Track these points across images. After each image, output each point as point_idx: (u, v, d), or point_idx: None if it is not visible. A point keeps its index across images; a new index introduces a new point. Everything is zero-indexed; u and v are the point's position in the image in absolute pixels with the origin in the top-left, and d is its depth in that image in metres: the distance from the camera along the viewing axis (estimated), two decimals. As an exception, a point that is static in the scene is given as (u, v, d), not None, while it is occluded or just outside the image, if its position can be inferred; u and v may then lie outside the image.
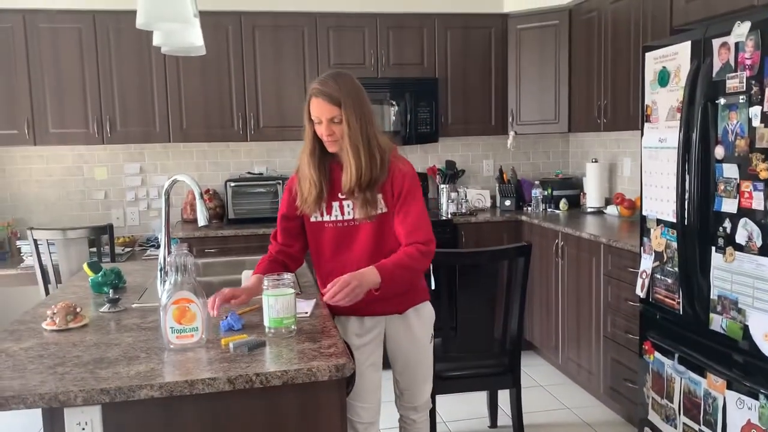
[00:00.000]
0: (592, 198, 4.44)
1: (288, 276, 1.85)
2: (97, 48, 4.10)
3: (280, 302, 1.78)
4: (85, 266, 2.53)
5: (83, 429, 1.48)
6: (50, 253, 3.65)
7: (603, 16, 3.92)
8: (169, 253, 2.54)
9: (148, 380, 1.50)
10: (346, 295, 1.88)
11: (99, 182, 4.52)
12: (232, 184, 4.28)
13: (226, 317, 1.90)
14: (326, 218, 2.16)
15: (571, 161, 5.16)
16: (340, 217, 2.15)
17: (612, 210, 4.22)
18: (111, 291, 2.27)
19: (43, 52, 4.05)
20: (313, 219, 2.17)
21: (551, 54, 4.46)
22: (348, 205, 2.13)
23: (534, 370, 4.16)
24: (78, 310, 2.01)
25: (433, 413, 2.89)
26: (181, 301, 1.69)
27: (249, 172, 4.59)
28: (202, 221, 2.45)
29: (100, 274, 2.43)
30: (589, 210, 4.43)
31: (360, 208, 2.10)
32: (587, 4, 4.12)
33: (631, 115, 3.68)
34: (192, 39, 2.16)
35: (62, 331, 1.92)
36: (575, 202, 4.66)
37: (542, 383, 3.97)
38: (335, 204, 2.14)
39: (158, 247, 4.36)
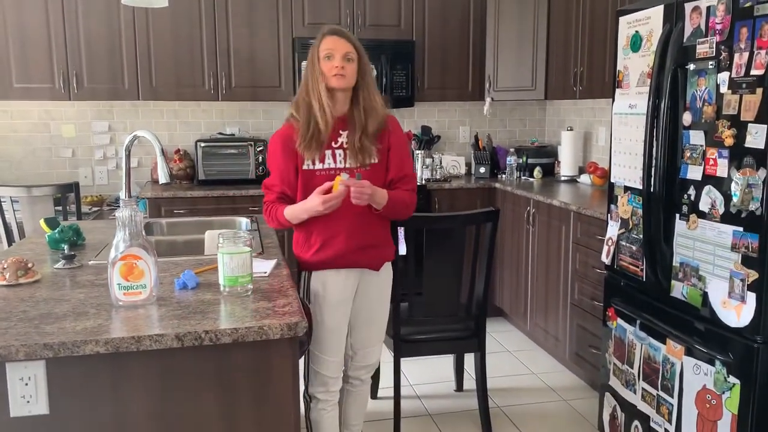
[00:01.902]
0: (566, 166, 4.43)
1: (244, 234, 1.81)
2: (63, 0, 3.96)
3: (235, 260, 1.75)
4: (41, 222, 2.48)
5: (26, 384, 1.45)
6: (14, 210, 3.57)
7: (582, -19, 3.86)
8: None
9: (94, 336, 1.46)
10: (362, 194, 2.06)
11: (66, 140, 4.41)
12: (203, 144, 4.20)
13: (181, 275, 1.86)
14: (318, 166, 2.19)
15: (547, 129, 5.13)
16: (332, 165, 2.19)
17: (585, 179, 4.22)
18: (67, 247, 2.22)
19: (5, 1, 3.90)
20: (305, 167, 2.19)
21: (530, 19, 4.39)
22: (340, 154, 2.18)
23: (503, 336, 4.19)
24: (30, 265, 1.96)
25: (398, 376, 2.91)
26: (128, 257, 1.65)
27: (220, 133, 4.51)
28: (162, 179, 2.40)
29: (57, 231, 2.37)
30: (562, 178, 4.42)
31: (355, 156, 2.17)
32: (567, -31, 4.05)
33: (606, 83, 3.64)
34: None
35: (12, 287, 1.87)
36: (550, 171, 4.65)
37: (510, 349, 4.00)
38: (328, 152, 2.18)
39: (127, 207, 4.28)
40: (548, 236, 3.71)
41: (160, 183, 2.43)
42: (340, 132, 2.19)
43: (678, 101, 2.25)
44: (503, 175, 4.63)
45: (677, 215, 2.26)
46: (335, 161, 2.18)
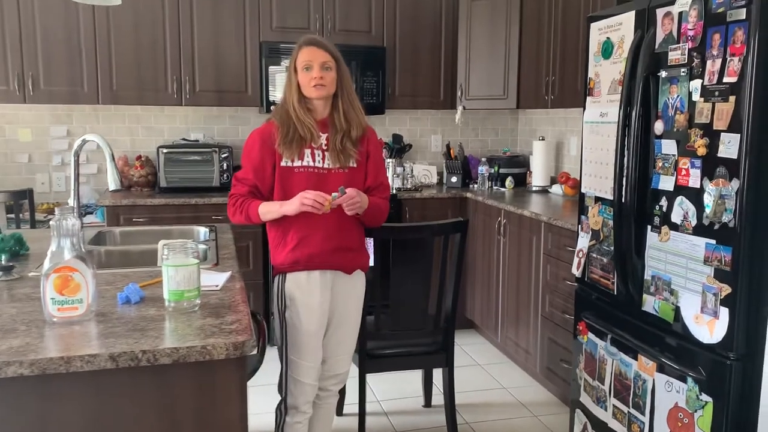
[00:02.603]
0: (538, 176, 4.38)
1: (193, 245, 1.69)
2: (18, -2, 3.80)
3: (181, 273, 1.63)
4: (-19, 231, 2.32)
5: (-59, 410, 1.31)
6: (-38, 217, 3.40)
7: (554, -11, 3.82)
8: (80, 219, 2.36)
9: (19, 356, 1.33)
10: (354, 203, 2.13)
11: (23, 144, 4.23)
12: (165, 150, 4.06)
13: (124, 289, 1.73)
14: (297, 164, 2.18)
15: (519, 139, 5.08)
16: (311, 163, 2.18)
17: (557, 189, 4.16)
18: (5, 258, 2.07)
19: (-43, 0, 3.74)
20: (283, 164, 2.18)
21: (502, 27, 4.34)
22: (319, 154, 2.19)
23: (473, 349, 4.10)
24: (-39, 277, 1.81)
25: (363, 391, 2.80)
26: (63, 270, 1.52)
27: (184, 139, 4.37)
28: (112, 185, 2.29)
29: (-4, 240, 2.21)
30: (534, 189, 4.36)
31: (335, 157, 2.19)
32: (539, -23, 4.01)
33: (578, 92, 3.59)
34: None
35: (-62, 301, 1.72)
36: (522, 181, 4.59)
37: (480, 362, 3.91)
38: (307, 151, 2.19)
39: (85, 215, 4.12)
40: (519, 247, 3.64)
41: (110, 190, 2.32)
42: (321, 134, 2.21)
43: (650, 109, 2.19)
44: (475, 185, 4.56)
45: (649, 227, 2.19)
46: (314, 160, 2.19)
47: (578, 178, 3.97)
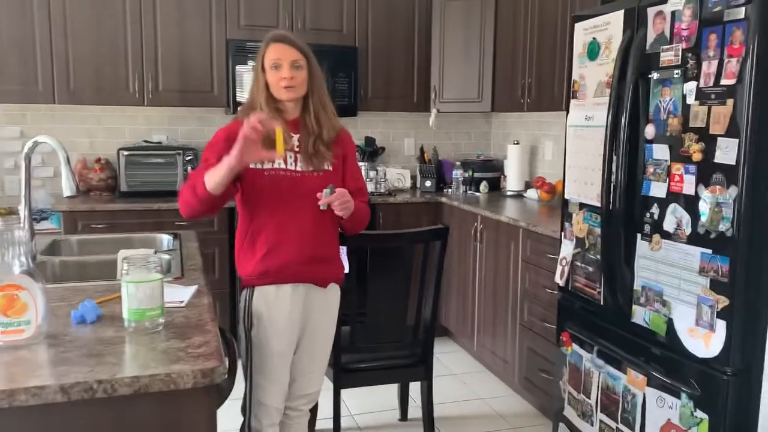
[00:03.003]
0: (512, 181, 4.29)
1: (155, 258, 1.54)
2: (-34, -10, 3.57)
3: (142, 290, 1.47)
4: None
5: None
6: None
7: (531, -11, 3.74)
8: (31, 227, 2.18)
9: (-46, 389, 1.16)
10: (346, 202, 1.97)
11: (-29, 146, 3.98)
12: (126, 152, 3.86)
13: (79, 306, 1.57)
14: (267, 166, 2.00)
15: (492, 143, 5.00)
16: (282, 166, 2.00)
17: (532, 194, 4.09)
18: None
19: None
20: (252, 165, 1.98)
21: (476, 29, 4.25)
22: (290, 156, 2.03)
23: (448, 358, 3.99)
24: None
25: (338, 407, 2.66)
26: (7, 288, 1.35)
27: (146, 141, 4.17)
28: (67, 191, 2.10)
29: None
30: (509, 193, 4.28)
31: (308, 160, 2.04)
32: (515, -23, 3.92)
33: (555, 96, 3.52)
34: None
35: None
36: (496, 185, 4.50)
37: (456, 371, 3.81)
38: None
39: (39, 220, 3.89)
40: (496, 253, 3.54)
41: (65, 196, 2.12)
42: (292, 135, 2.03)
43: (638, 112, 2.10)
44: (449, 190, 4.46)
45: (639, 235, 2.10)
46: (285, 162, 2.02)
47: (553, 183, 3.94)
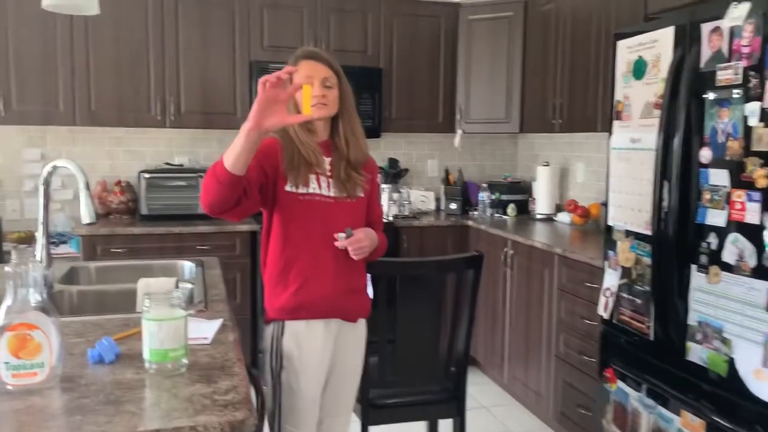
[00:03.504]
0: (541, 204, 4.15)
1: (178, 292, 1.42)
2: (-11, 12, 3.53)
3: (164, 329, 1.35)
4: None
5: None
6: None
7: (561, 8, 3.63)
8: (48, 255, 2.08)
9: (-43, 444, 1.05)
10: (362, 248, 1.88)
11: (-9, 168, 3.93)
12: (147, 175, 3.78)
13: (96, 345, 1.45)
14: (302, 190, 1.87)
15: (519, 164, 4.87)
16: (317, 191, 1.91)
17: (563, 217, 3.94)
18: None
19: None
20: (287, 188, 1.86)
21: (504, 48, 4.14)
22: (324, 180, 1.92)
23: (477, 389, 3.83)
24: None
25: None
26: (19, 327, 1.24)
27: (168, 163, 4.09)
28: (86, 218, 2.00)
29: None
30: (538, 216, 4.14)
31: (340, 186, 1.93)
32: (545, -5, 3.82)
33: (588, 117, 3.39)
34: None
35: None
36: (524, 208, 4.36)
37: (486, 404, 3.64)
38: (312, 176, 1.91)
39: (59, 244, 3.82)
40: (528, 281, 3.39)
41: (83, 223, 2.02)
42: (325, 157, 1.94)
43: (691, 135, 1.96)
44: (475, 212, 4.33)
45: (693, 266, 1.96)
46: (320, 186, 1.91)
47: (586, 207, 3.79)
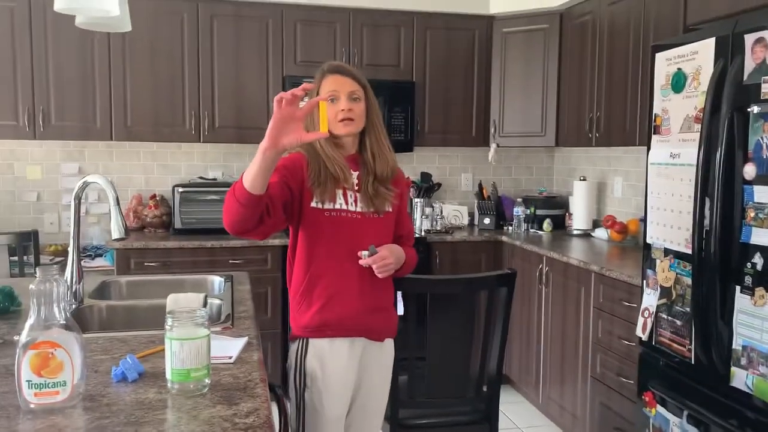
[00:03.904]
0: (578, 219, 4.06)
1: (202, 312, 1.40)
2: (31, 29, 3.61)
3: (186, 348, 1.33)
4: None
5: None
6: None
7: (598, 20, 3.55)
8: (79, 269, 2.09)
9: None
10: (387, 266, 1.84)
11: (31, 182, 4.01)
12: (181, 189, 3.81)
13: (120, 363, 1.44)
14: (327, 206, 1.84)
15: (555, 178, 4.78)
16: (343, 206, 1.87)
17: (601, 233, 3.84)
18: (-10, 318, 1.80)
19: (-33, 31, 3.56)
20: (313, 205, 1.83)
21: (539, 61, 4.08)
22: (351, 195, 1.89)
23: (510, 409, 3.74)
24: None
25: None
26: (42, 345, 1.23)
27: (201, 177, 4.13)
28: (115, 233, 2.01)
29: (-18, 295, 1.95)
30: (575, 232, 4.04)
31: (368, 201, 1.89)
32: (580, 7, 3.75)
33: (627, 130, 3.30)
34: (105, 5, 1.71)
35: None
36: (560, 223, 4.26)
37: (520, 425, 3.55)
38: (339, 191, 1.88)
39: (94, 257, 3.87)
40: (564, 299, 3.31)
41: (113, 238, 2.04)
42: (352, 172, 1.91)
43: (734, 150, 1.88)
44: (510, 227, 4.25)
45: (737, 287, 1.87)
46: (347, 202, 1.88)
47: (625, 222, 3.69)
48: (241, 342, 1.68)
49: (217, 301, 2.18)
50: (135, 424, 1.20)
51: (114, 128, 3.76)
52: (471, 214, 4.51)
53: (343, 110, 1.83)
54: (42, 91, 3.65)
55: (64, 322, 1.29)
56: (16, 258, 3.41)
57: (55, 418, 1.22)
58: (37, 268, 1.27)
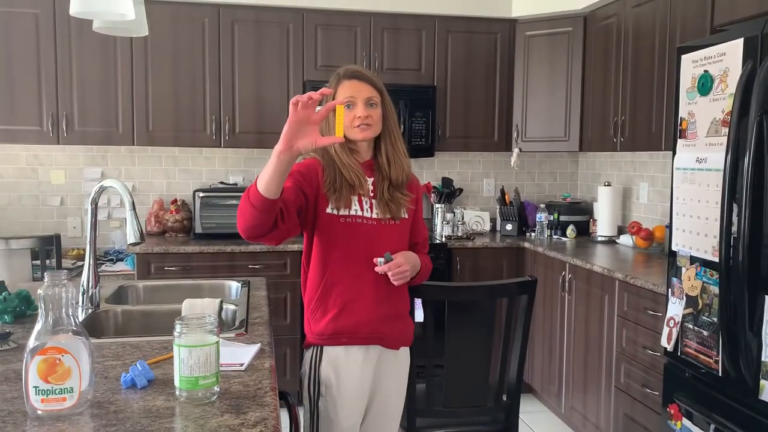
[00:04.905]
0: (603, 225, 3.98)
1: (211, 319, 1.38)
2: (55, 36, 3.66)
3: (195, 355, 1.31)
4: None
5: None
6: (-14, 265, 3.19)
7: (623, 22, 3.48)
8: (95, 274, 2.09)
9: (-21, 471, 1.02)
10: (402, 273, 1.82)
11: (55, 187, 4.05)
12: (201, 194, 3.82)
13: (130, 370, 1.43)
14: (343, 212, 1.82)
15: (579, 184, 4.70)
16: (359, 212, 1.84)
17: (626, 240, 3.75)
18: (9, 319, 1.80)
19: (-7, 38, 3.62)
20: (328, 210, 1.82)
21: (563, 64, 4.02)
22: (366, 202, 1.87)
23: (532, 418, 3.67)
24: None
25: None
26: (50, 351, 1.22)
27: (222, 182, 4.14)
28: (131, 238, 2.01)
29: (-1, 298, 1.95)
30: (599, 239, 3.96)
31: (383, 207, 1.87)
32: (604, 10, 3.69)
33: (653, 134, 3.23)
34: (121, 8, 1.70)
35: None
36: (584, 230, 4.19)
37: (542, 435, 3.48)
38: (354, 198, 1.86)
39: (116, 261, 3.90)
40: (588, 307, 3.23)
41: (128, 243, 2.03)
42: (367, 178, 1.89)
43: (764, 155, 1.81)
44: (532, 234, 4.18)
45: (767, 297, 1.79)
46: (362, 209, 1.86)
47: (651, 229, 3.60)
48: (253, 349, 1.66)
49: (232, 307, 2.16)
50: (142, 431, 1.18)
51: (136, 133, 3.78)
52: (493, 220, 4.46)
53: (359, 117, 1.81)
54: (66, 97, 3.69)
55: (73, 327, 1.27)
56: (38, 262, 3.44)
57: (61, 425, 1.21)
58: (45, 273, 1.26)
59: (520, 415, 3.60)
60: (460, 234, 4.10)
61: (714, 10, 2.52)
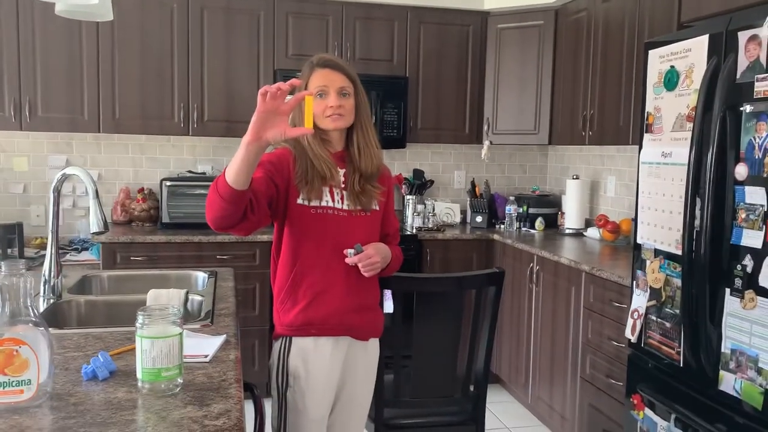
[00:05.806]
0: (571, 218, 4.02)
1: (175, 310, 1.36)
2: (18, 19, 3.56)
3: (158, 347, 1.29)
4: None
5: None
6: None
7: (593, 17, 3.51)
8: (57, 263, 2.05)
9: (-69, 466, 1.00)
10: (373, 265, 1.82)
11: (18, 174, 3.95)
12: (168, 183, 3.76)
13: (91, 361, 1.40)
14: (314, 203, 1.81)
15: (549, 177, 4.74)
16: (330, 203, 1.84)
17: (593, 233, 3.81)
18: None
19: (-48, 20, 3.50)
20: (299, 201, 1.80)
21: (534, 57, 4.04)
22: (338, 193, 1.86)
23: (500, 408, 3.71)
24: None
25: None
26: (6, 342, 1.19)
27: (190, 171, 4.08)
28: (94, 227, 1.97)
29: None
30: (567, 231, 4.01)
31: (354, 199, 1.86)
32: (575, 4, 3.72)
33: (620, 128, 3.27)
34: (83, -8, 1.66)
35: None
36: (552, 222, 4.23)
37: (509, 425, 3.52)
38: (325, 189, 1.84)
39: (81, 251, 3.82)
40: (554, 298, 3.27)
41: (91, 232, 1.99)
42: (339, 169, 1.85)
43: (726, 150, 1.84)
44: (502, 226, 4.21)
45: (727, 290, 1.83)
46: (333, 200, 1.85)
47: (617, 222, 3.65)
48: (218, 340, 1.64)
49: (198, 298, 2.14)
50: (101, 425, 1.16)
51: (102, 120, 3.70)
52: (463, 212, 4.48)
53: (332, 106, 1.79)
54: (28, 82, 3.59)
55: (32, 318, 1.25)
56: (0, 250, 3.37)
57: (18, 418, 1.18)
58: (2, 263, 1.23)
59: (487, 405, 3.64)
60: (430, 225, 4.12)
61: (681, 6, 2.55)
